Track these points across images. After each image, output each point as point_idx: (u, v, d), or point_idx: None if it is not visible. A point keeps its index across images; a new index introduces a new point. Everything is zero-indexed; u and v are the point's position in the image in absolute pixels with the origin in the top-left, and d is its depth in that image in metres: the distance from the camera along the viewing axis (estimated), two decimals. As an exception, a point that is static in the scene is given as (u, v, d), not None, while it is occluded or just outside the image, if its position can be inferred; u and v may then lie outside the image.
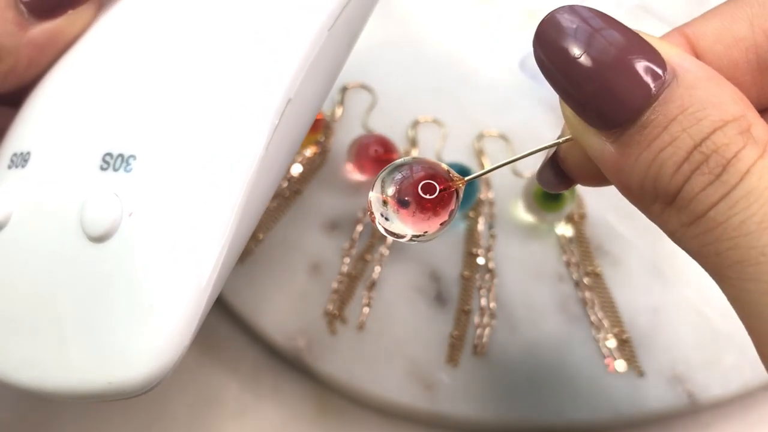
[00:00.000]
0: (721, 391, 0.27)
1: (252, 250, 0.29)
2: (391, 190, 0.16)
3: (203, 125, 0.18)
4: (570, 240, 0.29)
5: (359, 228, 0.29)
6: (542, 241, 0.29)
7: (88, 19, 0.21)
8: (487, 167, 0.18)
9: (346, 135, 0.31)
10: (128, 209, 0.17)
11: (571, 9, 0.14)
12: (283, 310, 0.28)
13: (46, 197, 0.19)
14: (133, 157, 0.18)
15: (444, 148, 0.31)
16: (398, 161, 0.16)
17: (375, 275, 0.29)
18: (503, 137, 0.31)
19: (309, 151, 0.31)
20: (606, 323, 0.28)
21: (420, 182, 0.16)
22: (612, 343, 0.28)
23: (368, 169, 0.30)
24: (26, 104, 0.22)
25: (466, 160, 0.31)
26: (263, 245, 0.29)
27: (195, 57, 0.19)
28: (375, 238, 0.29)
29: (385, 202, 0.16)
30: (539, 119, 0.32)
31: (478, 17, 0.34)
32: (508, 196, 0.30)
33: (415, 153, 0.31)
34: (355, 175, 0.30)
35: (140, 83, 0.19)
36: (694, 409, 0.27)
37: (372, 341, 0.28)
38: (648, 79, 0.13)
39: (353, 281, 0.29)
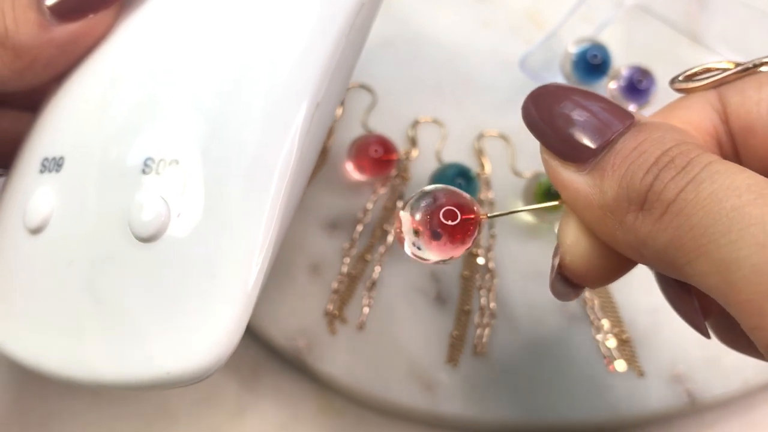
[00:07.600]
0: (721, 391, 0.27)
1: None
2: (419, 218, 0.17)
3: (242, 131, 0.19)
4: (570, 240, 0.29)
5: (359, 228, 0.29)
6: (542, 241, 0.29)
7: (108, 23, 0.22)
8: (509, 210, 0.20)
9: (346, 135, 0.31)
10: (176, 211, 0.18)
11: (566, 94, 0.17)
12: (283, 310, 0.28)
13: (88, 200, 0.19)
14: (175, 161, 0.19)
15: (444, 148, 0.31)
16: (425, 188, 0.17)
17: (375, 275, 0.29)
18: (503, 137, 0.31)
19: (309, 151, 0.31)
20: (606, 323, 0.28)
21: (443, 209, 0.17)
22: (612, 343, 0.28)
23: (368, 169, 0.30)
24: (48, 109, 0.22)
25: (466, 160, 0.31)
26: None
27: (231, 66, 0.20)
28: (375, 238, 0.29)
29: (417, 233, 0.17)
30: (539, 119, 0.32)
31: (478, 17, 0.34)
32: (508, 196, 0.30)
33: (415, 153, 0.31)
34: (355, 175, 0.30)
35: (175, 89, 0.20)
36: (694, 409, 0.27)
37: (372, 341, 0.28)
38: (619, 120, 0.16)
39: (353, 281, 0.29)
